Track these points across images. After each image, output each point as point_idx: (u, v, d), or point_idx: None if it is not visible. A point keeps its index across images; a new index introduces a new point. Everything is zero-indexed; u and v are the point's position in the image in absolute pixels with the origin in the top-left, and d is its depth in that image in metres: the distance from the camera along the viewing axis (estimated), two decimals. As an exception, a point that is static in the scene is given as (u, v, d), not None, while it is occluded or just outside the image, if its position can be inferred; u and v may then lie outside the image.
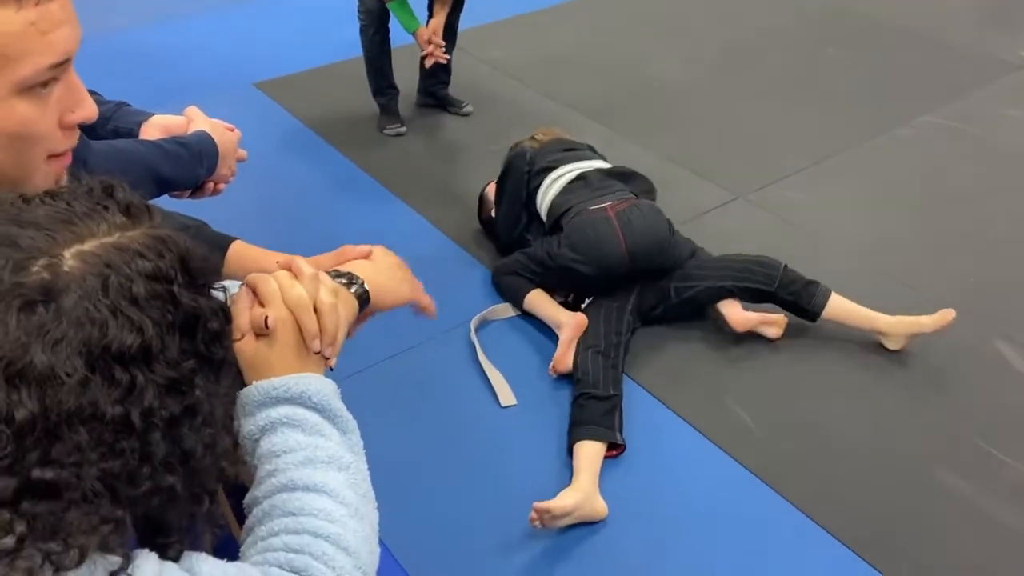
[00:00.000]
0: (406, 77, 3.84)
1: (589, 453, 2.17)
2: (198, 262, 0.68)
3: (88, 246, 0.62)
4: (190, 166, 1.27)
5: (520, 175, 2.83)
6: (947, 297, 2.65)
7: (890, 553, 2.01)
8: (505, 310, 2.75)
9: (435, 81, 3.89)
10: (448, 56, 3.63)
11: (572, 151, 2.91)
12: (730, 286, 2.60)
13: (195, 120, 1.36)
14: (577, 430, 2.23)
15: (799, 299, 2.58)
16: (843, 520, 2.08)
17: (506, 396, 2.42)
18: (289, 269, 0.84)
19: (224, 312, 0.70)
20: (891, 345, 2.57)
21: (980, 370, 2.54)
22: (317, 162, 3.58)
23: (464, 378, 2.51)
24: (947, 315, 2.47)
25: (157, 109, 1.40)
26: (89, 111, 0.79)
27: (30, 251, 0.60)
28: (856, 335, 2.60)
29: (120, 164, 1.11)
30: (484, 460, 2.26)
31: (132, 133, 1.32)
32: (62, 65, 0.74)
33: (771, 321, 2.58)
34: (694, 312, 2.68)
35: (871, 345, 2.59)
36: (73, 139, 0.80)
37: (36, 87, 0.73)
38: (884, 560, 1.99)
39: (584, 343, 2.44)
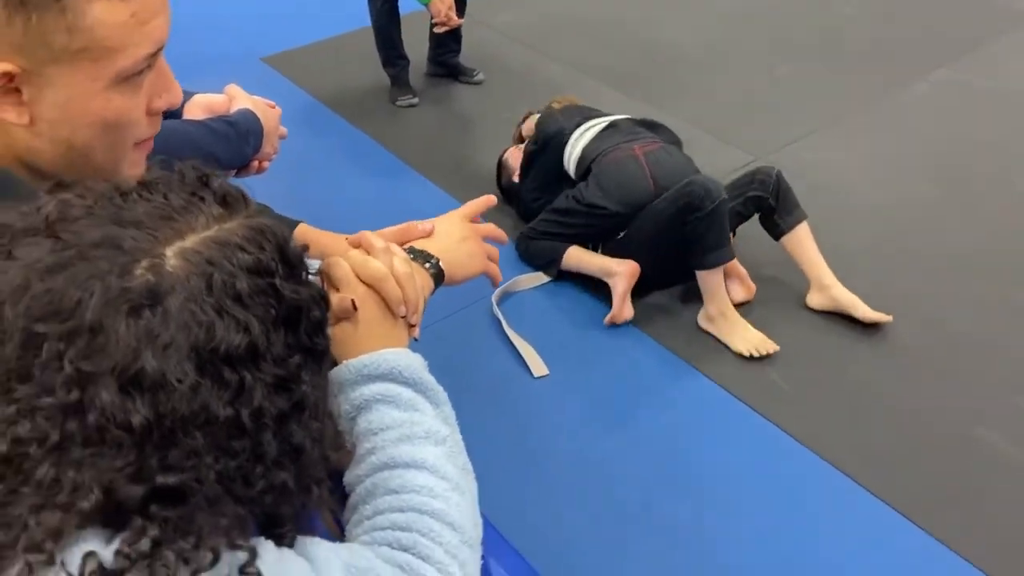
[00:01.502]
0: (416, 47, 3.79)
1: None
2: (295, 250, 0.67)
3: (189, 243, 0.61)
4: (238, 145, 1.26)
5: (559, 147, 2.79)
6: (969, 252, 2.64)
7: (931, 510, 2.02)
8: (528, 281, 2.73)
9: (445, 50, 3.84)
10: (461, 20, 3.59)
11: (593, 111, 2.92)
12: (735, 207, 2.58)
13: (237, 98, 1.34)
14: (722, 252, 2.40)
15: (778, 206, 2.57)
16: (883, 479, 2.09)
17: (538, 367, 2.42)
18: (358, 246, 0.85)
19: (324, 299, 0.69)
20: (813, 302, 2.56)
21: (1009, 325, 2.53)
22: (330, 136, 3.55)
23: (491, 352, 2.50)
24: (883, 318, 2.48)
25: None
26: (175, 96, 0.78)
27: (133, 253, 0.59)
28: (886, 295, 2.60)
29: (179, 146, 1.10)
30: (527, 431, 2.27)
31: (176, 113, 1.30)
32: (156, 53, 0.74)
33: (742, 276, 2.58)
34: None
35: (899, 305, 2.58)
36: (157, 125, 0.80)
37: (132, 76, 0.73)
38: (926, 517, 2.00)
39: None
